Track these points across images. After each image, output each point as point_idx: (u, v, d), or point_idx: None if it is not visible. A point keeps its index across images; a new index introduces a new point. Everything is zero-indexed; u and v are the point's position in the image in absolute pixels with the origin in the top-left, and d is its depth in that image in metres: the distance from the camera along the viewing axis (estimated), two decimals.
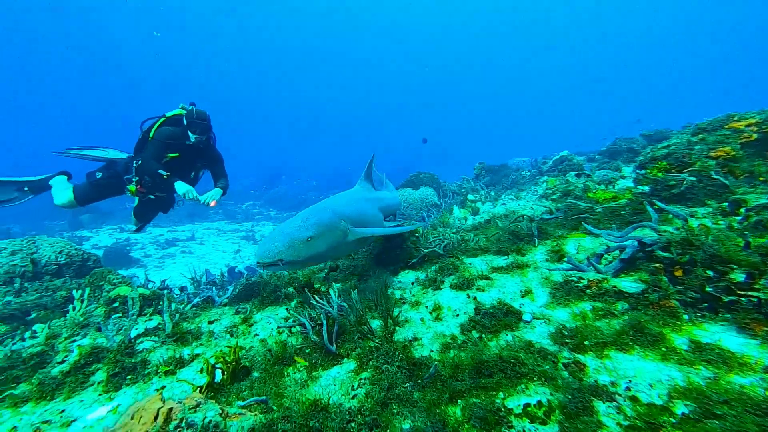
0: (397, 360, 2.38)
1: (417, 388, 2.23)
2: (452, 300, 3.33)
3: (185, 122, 5.20)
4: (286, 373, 2.82)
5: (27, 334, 4.68)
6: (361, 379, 2.46)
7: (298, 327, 3.29)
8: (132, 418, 1.87)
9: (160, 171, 5.02)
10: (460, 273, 3.72)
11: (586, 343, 2.18)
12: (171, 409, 1.84)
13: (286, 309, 3.34)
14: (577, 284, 2.76)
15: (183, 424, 1.79)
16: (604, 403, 1.76)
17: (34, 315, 5.05)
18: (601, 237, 3.42)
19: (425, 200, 9.05)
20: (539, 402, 1.85)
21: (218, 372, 2.67)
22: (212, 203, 5.11)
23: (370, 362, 2.57)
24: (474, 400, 2.03)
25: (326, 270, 5.01)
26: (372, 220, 3.99)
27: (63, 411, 3.03)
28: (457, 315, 3.03)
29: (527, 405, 1.86)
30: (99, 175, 5.39)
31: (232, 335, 3.67)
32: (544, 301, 2.86)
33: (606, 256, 3.07)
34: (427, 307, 3.33)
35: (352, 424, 1.99)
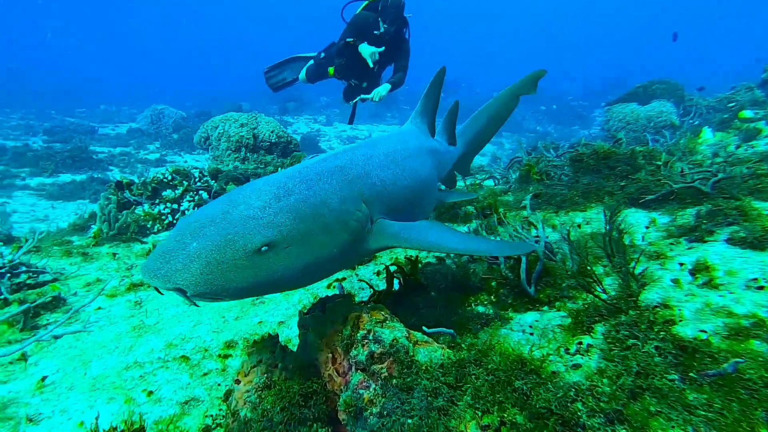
0: (655, 338, 1.57)
1: (690, 384, 1.44)
2: (735, 261, 2.19)
3: (379, 8, 5.12)
4: (467, 303, 2.40)
5: None
6: (580, 343, 1.79)
7: None
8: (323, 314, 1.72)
9: (347, 39, 5.14)
10: (754, 223, 2.41)
11: None
12: (359, 317, 1.59)
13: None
14: None
15: (371, 337, 1.53)
16: None
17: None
18: None
19: (654, 119, 6.69)
20: None
21: (396, 282, 2.41)
22: (377, 100, 5.21)
23: (597, 326, 1.85)
24: None
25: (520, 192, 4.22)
26: (430, 189, 2.46)
27: None
28: (761, 287, 1.93)
29: None
30: (322, 55, 5.76)
31: None
32: None
33: None
34: (682, 264, 2.29)
35: (578, 404, 1.40)
